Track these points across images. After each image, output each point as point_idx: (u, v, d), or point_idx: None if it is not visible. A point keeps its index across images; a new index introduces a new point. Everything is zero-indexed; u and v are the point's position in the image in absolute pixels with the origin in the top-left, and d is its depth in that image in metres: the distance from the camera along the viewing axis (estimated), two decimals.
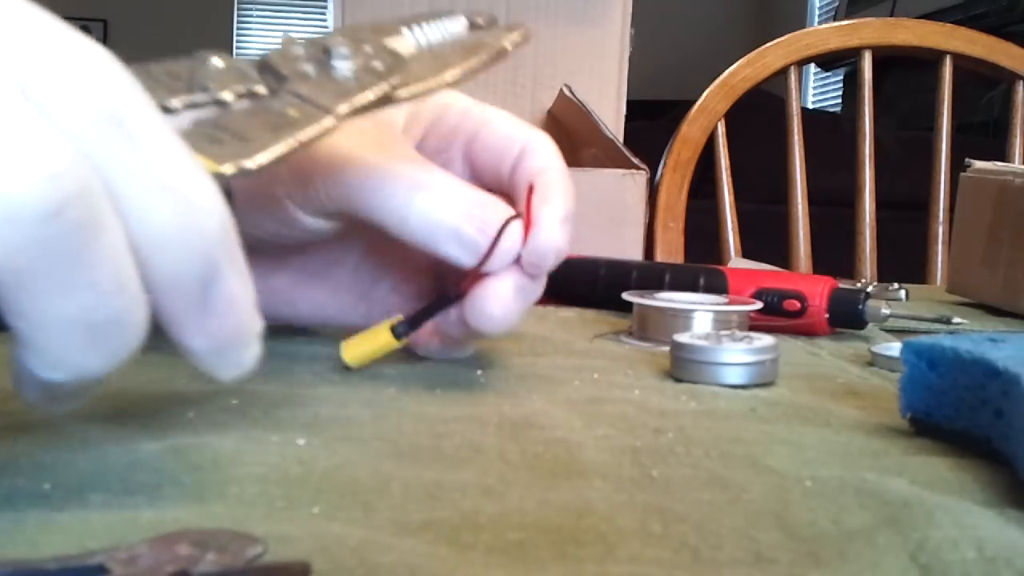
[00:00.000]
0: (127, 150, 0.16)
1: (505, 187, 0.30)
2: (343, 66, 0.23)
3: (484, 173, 0.31)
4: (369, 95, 0.22)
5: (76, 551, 0.15)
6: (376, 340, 0.28)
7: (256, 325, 0.18)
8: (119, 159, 0.16)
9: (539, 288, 0.29)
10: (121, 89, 0.16)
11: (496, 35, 0.26)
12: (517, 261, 0.28)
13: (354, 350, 0.29)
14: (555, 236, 0.28)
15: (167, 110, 0.20)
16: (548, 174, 0.29)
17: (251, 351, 0.18)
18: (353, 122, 0.23)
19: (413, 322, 0.28)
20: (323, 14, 3.22)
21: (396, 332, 0.28)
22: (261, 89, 0.22)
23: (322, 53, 0.23)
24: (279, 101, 0.21)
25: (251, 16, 3.59)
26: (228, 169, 0.19)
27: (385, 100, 0.23)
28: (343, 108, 0.22)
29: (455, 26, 0.26)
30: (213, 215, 0.17)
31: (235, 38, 3.56)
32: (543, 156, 0.30)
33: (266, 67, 0.22)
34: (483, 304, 0.28)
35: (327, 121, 0.21)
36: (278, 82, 0.22)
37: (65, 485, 0.18)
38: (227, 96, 0.21)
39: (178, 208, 0.16)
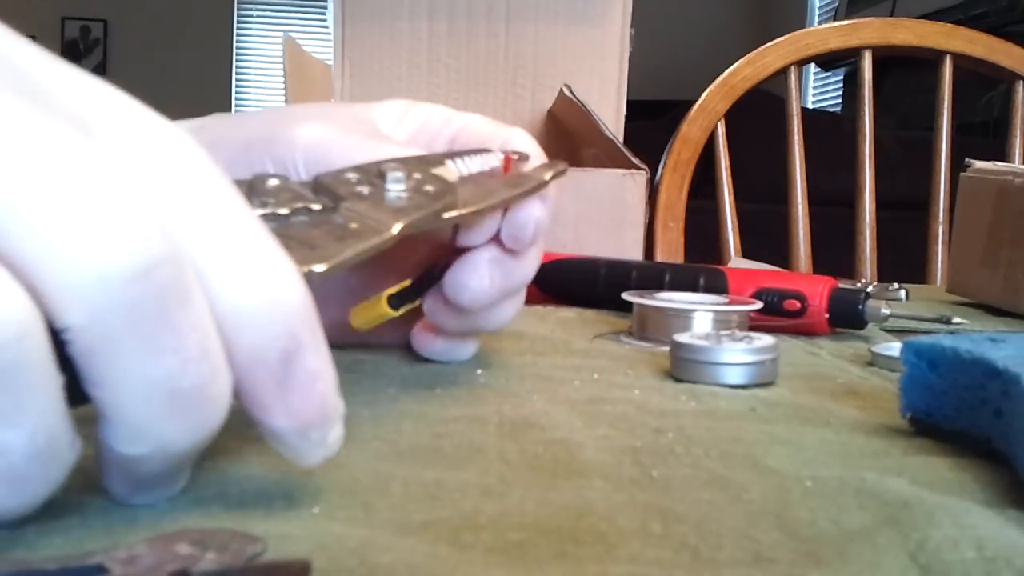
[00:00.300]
0: (214, 227, 0.16)
1: None
2: (396, 188, 0.25)
3: None
4: (421, 214, 0.24)
5: (75, 551, 0.15)
6: (375, 309, 0.29)
7: (339, 405, 0.18)
8: (207, 235, 0.16)
9: (523, 267, 0.30)
10: (209, 173, 0.17)
11: (538, 170, 0.29)
12: (496, 236, 0.28)
13: (357, 316, 0.30)
14: (532, 208, 0.28)
15: None
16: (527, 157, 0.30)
17: (335, 432, 0.18)
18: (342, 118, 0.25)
19: (404, 297, 0.29)
20: (322, 14, 3.22)
21: (391, 303, 0.29)
22: (317, 206, 0.23)
23: (376, 177, 0.25)
24: (338, 216, 0.23)
25: (251, 16, 3.59)
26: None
27: (435, 218, 0.25)
28: (400, 224, 0.23)
29: (492, 160, 0.28)
30: (295, 292, 0.17)
31: (235, 38, 3.56)
32: (521, 145, 0.30)
33: (321, 188, 0.24)
34: (459, 275, 0.28)
35: (387, 233, 0.23)
36: (334, 201, 0.23)
37: (63, 486, 0.18)
38: (285, 211, 0.22)
39: (263, 283, 0.16)
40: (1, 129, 0.14)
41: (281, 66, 0.73)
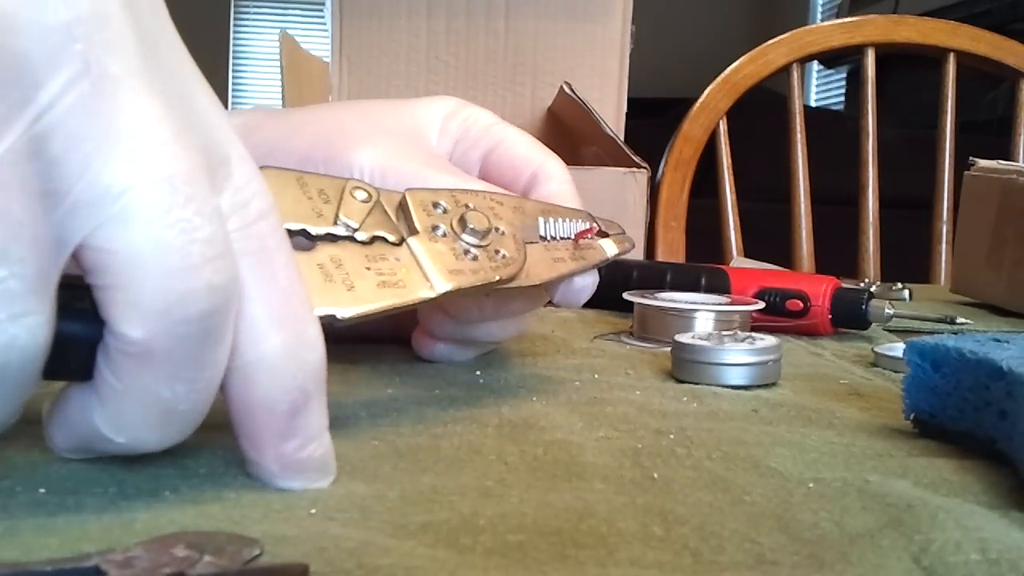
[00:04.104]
0: (263, 279, 0.18)
1: None
2: (470, 241, 0.25)
3: (492, 183, 0.31)
4: (475, 280, 0.25)
5: (72, 554, 0.15)
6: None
7: (330, 463, 0.19)
8: (255, 286, 0.18)
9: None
10: (274, 226, 0.18)
11: (607, 242, 0.30)
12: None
13: None
14: (589, 277, 0.29)
15: (308, 236, 0.23)
16: (559, 201, 0.30)
17: (320, 484, 0.19)
18: (388, 135, 0.27)
19: None
20: (320, 11, 3.22)
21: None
22: (391, 237, 0.24)
23: (459, 222, 0.25)
24: (400, 254, 0.24)
25: (248, 12, 3.58)
26: (318, 313, 0.21)
27: (488, 287, 0.25)
28: (446, 287, 0.24)
29: (580, 225, 0.29)
30: (316, 350, 0.19)
31: (232, 35, 3.56)
32: (556, 182, 0.31)
33: (405, 209, 0.25)
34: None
35: (425, 293, 0.23)
36: (409, 231, 0.24)
37: (60, 488, 0.18)
38: (362, 236, 0.23)
39: (290, 340, 0.18)
40: (146, 144, 0.16)
41: (278, 63, 0.73)
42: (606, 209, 0.64)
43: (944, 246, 0.89)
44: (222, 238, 0.17)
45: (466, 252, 0.25)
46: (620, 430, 0.24)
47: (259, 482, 0.19)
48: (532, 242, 0.27)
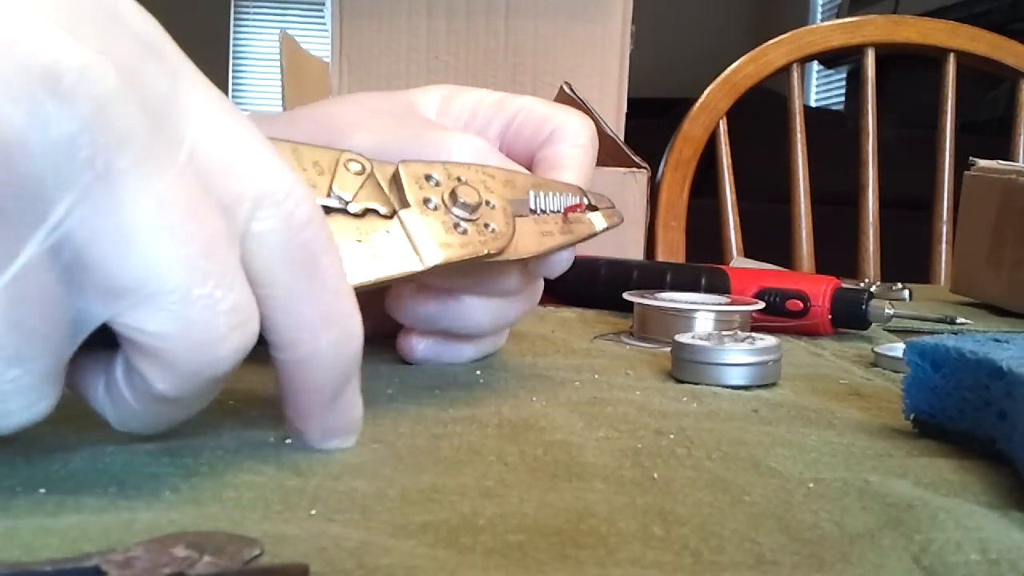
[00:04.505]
0: (313, 282, 0.19)
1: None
2: (461, 215, 0.25)
3: (516, 154, 0.31)
4: (464, 254, 0.25)
5: (72, 554, 0.15)
6: None
7: (360, 423, 0.22)
8: (306, 288, 0.19)
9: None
10: (318, 229, 0.19)
11: (595, 217, 0.29)
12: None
13: None
14: (567, 252, 0.29)
15: None
16: (568, 163, 0.30)
17: (349, 441, 0.21)
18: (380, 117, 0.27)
19: None
20: (320, 11, 3.21)
21: None
22: (383, 210, 0.24)
23: (450, 195, 0.25)
24: (391, 227, 0.24)
25: (248, 12, 3.58)
26: None
27: (477, 260, 0.26)
28: (436, 260, 0.24)
29: (571, 200, 0.29)
30: (357, 339, 0.20)
31: (232, 35, 3.56)
32: (568, 144, 0.31)
33: (397, 181, 0.25)
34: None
35: (414, 266, 0.24)
36: (400, 203, 0.24)
37: (60, 488, 0.18)
38: (354, 209, 0.24)
39: (339, 337, 0.20)
40: (158, 232, 0.17)
41: (278, 63, 0.72)
42: None
43: (944, 246, 0.89)
44: (246, 302, 0.18)
45: (456, 226, 0.25)
46: (620, 430, 0.24)
47: (259, 482, 0.19)
48: (522, 215, 0.27)
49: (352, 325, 0.20)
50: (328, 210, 0.23)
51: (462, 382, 0.29)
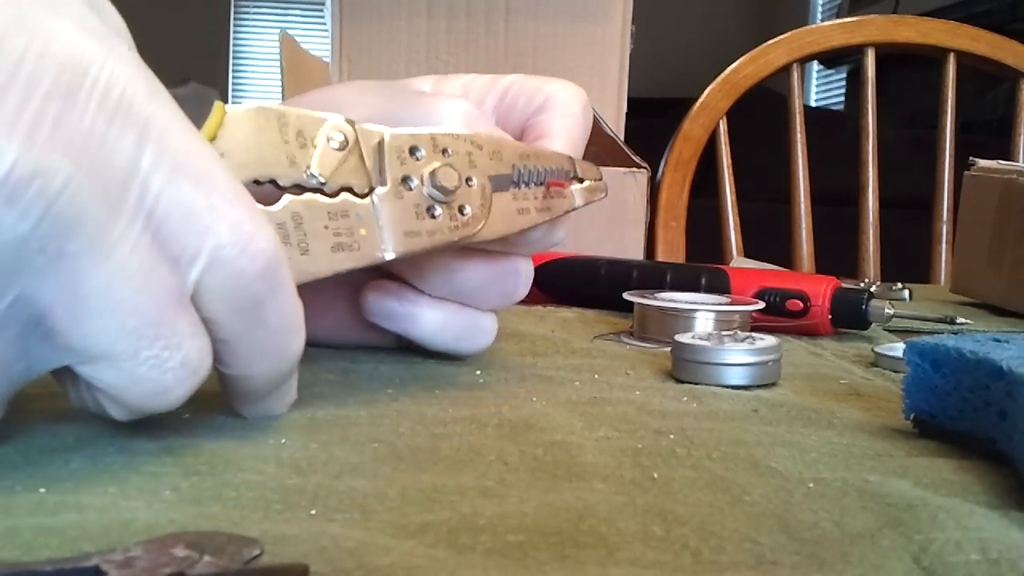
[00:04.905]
0: (257, 333, 0.20)
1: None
2: (437, 197, 0.25)
3: (511, 126, 0.31)
4: (429, 243, 0.25)
5: (72, 554, 0.15)
6: None
7: (292, 400, 0.23)
8: (246, 334, 0.20)
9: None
10: (270, 279, 0.20)
11: (576, 192, 0.29)
12: None
13: None
14: (538, 235, 0.29)
15: (277, 186, 0.23)
16: (557, 133, 0.30)
17: (280, 411, 0.23)
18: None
19: None
20: (320, 11, 3.21)
21: None
22: (359, 188, 0.24)
23: (429, 175, 0.25)
24: (362, 210, 0.24)
25: (248, 12, 3.58)
26: None
27: (448, 245, 0.26)
28: (396, 253, 0.25)
29: (555, 174, 0.29)
30: (294, 359, 0.22)
31: (232, 35, 3.56)
32: (559, 113, 0.30)
33: (380, 153, 0.25)
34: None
35: (377, 255, 0.24)
36: (380, 179, 0.25)
37: (60, 488, 0.18)
38: (330, 188, 0.24)
39: (276, 363, 0.22)
40: (108, 305, 0.18)
41: (278, 63, 0.72)
42: (606, 209, 0.64)
43: (944, 246, 0.89)
44: (195, 353, 0.19)
45: (429, 208, 0.25)
46: (620, 430, 0.24)
47: (259, 482, 0.19)
48: (502, 190, 0.27)
49: (291, 350, 0.21)
50: (303, 189, 0.23)
51: (462, 382, 0.29)
